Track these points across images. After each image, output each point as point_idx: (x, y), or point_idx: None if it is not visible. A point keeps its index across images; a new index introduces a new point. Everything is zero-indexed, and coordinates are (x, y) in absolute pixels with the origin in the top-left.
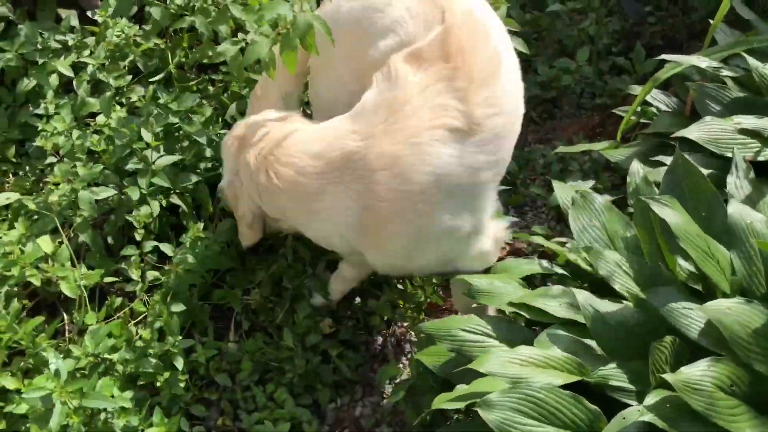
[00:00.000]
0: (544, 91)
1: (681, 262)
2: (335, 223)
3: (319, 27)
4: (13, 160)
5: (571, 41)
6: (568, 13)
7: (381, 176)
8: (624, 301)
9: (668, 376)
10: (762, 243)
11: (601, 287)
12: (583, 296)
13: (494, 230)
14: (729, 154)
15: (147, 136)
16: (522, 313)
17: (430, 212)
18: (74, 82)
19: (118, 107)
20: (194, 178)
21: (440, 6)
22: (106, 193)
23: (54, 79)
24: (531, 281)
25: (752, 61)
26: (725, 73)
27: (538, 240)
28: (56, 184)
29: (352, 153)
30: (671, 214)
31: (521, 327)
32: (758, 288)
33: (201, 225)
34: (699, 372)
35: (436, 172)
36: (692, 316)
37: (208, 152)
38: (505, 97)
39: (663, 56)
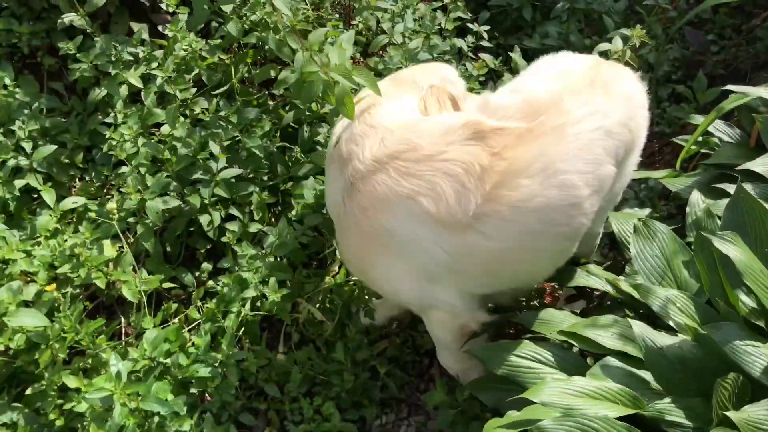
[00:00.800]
0: None
1: (743, 297)
2: None
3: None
4: (81, 165)
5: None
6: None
7: None
8: (680, 335)
9: (732, 415)
10: None
11: (657, 317)
12: (639, 328)
13: None
14: None
15: (214, 148)
16: (573, 342)
17: None
18: (142, 93)
19: (182, 118)
20: (252, 188)
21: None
22: (172, 202)
23: (124, 90)
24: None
25: None
26: None
27: (594, 270)
28: (126, 193)
29: None
30: (735, 250)
31: (574, 354)
32: None
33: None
34: (763, 411)
35: None
36: (756, 354)
37: (266, 163)
38: None
39: (728, 87)
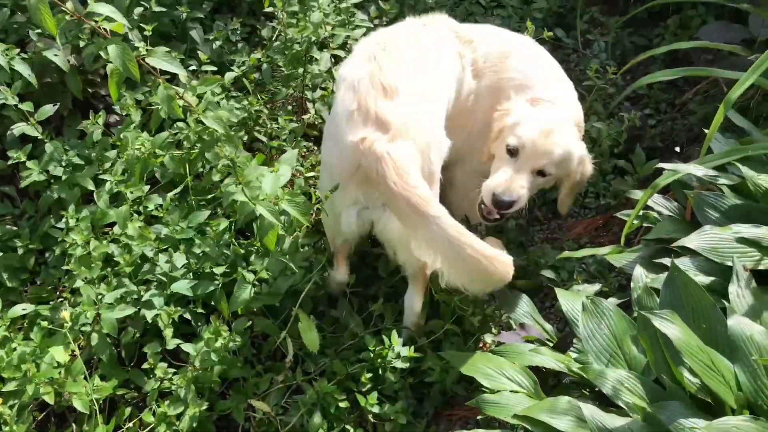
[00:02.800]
0: (549, 191)
1: (687, 374)
2: None
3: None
4: (33, 269)
5: None
6: None
7: None
8: (632, 415)
9: None
10: (764, 360)
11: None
12: (590, 411)
13: None
14: (729, 263)
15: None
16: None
17: None
18: (95, 194)
19: (135, 216)
20: (210, 287)
21: None
22: (128, 311)
23: (76, 192)
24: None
25: (746, 171)
26: (721, 181)
27: (545, 351)
28: (79, 304)
29: None
30: (673, 329)
31: None
32: (765, 403)
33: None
34: None
35: None
36: None
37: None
38: None
39: (660, 165)
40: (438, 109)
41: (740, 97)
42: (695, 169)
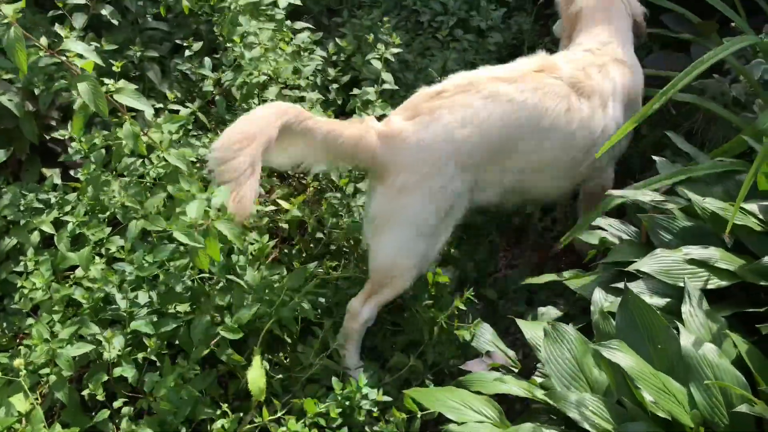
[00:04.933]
0: (509, 218)
1: (647, 395)
2: None
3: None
4: None
5: None
6: None
7: None
8: None
9: None
10: (718, 383)
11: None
12: None
13: None
14: (681, 284)
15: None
16: None
17: None
18: (55, 238)
19: (97, 258)
20: (173, 324)
21: None
22: (85, 348)
23: (35, 237)
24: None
25: (693, 196)
26: (669, 205)
27: (509, 379)
28: (33, 344)
29: None
30: (623, 357)
31: None
32: (721, 419)
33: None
34: None
35: None
36: None
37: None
38: None
39: (609, 192)
40: None
41: (687, 122)
42: (643, 195)
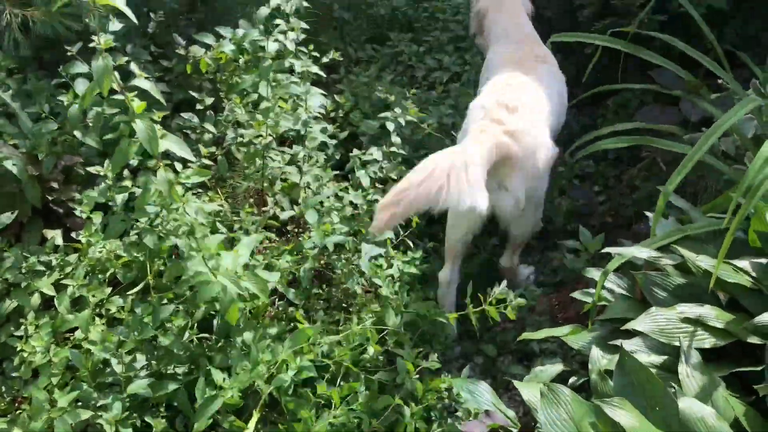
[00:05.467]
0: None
1: None
2: None
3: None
4: None
5: None
6: None
7: None
8: None
9: None
10: None
11: None
12: None
13: None
14: (676, 343)
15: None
16: None
17: None
18: (55, 300)
19: (97, 319)
20: (172, 386)
21: None
22: (84, 415)
23: (35, 299)
24: None
25: (686, 253)
26: (665, 262)
27: None
28: (33, 413)
29: None
30: (624, 416)
31: None
32: None
33: None
34: None
35: None
36: None
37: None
38: None
39: (606, 249)
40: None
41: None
42: (639, 252)
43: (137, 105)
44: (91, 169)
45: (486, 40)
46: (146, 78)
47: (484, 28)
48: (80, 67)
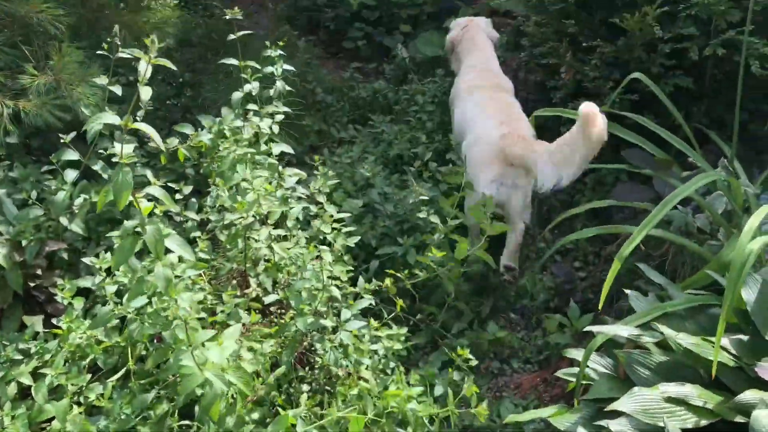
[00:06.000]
0: (497, 347)
1: None
2: None
3: None
4: None
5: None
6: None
7: None
8: None
9: None
10: None
11: None
12: None
13: None
14: (661, 424)
15: None
16: None
17: None
18: (32, 389)
19: (75, 407)
20: None
21: None
22: None
23: (12, 388)
24: None
25: (667, 331)
26: (646, 339)
27: None
28: None
29: None
30: None
31: None
32: None
33: None
34: None
35: None
36: None
37: None
38: None
39: (588, 328)
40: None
41: (657, 252)
42: (621, 330)
43: (144, 207)
44: (86, 260)
45: (456, 63)
46: (160, 186)
47: (455, 53)
48: (71, 155)
